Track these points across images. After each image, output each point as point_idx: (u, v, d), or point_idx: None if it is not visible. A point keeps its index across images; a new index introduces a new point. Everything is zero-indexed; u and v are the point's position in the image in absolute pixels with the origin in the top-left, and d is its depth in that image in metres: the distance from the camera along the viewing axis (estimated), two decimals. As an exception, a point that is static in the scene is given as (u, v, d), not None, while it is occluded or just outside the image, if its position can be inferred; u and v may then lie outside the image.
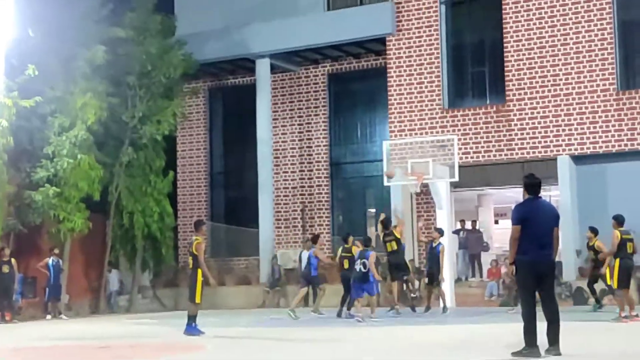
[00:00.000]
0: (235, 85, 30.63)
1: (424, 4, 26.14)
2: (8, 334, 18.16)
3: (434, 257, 20.66)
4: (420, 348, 12.54)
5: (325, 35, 26.87)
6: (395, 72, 26.40)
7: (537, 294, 10.11)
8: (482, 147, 25.19)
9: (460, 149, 24.27)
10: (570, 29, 24.33)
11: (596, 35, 24.08)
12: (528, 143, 24.65)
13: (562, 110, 24.32)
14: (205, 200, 30.61)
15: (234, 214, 30.12)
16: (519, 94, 24.84)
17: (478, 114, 25.43)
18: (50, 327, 20.40)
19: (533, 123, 24.63)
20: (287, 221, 28.89)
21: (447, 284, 22.08)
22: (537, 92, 24.63)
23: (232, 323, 19.04)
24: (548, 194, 23.98)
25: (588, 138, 24.00)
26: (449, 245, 22.83)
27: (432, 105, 25.90)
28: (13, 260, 22.45)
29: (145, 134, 26.33)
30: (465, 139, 25.17)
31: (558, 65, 24.43)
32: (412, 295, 21.36)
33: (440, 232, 21.18)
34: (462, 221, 26.32)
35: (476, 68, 26.31)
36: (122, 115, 26.05)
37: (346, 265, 19.60)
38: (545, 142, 24.45)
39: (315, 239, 21.76)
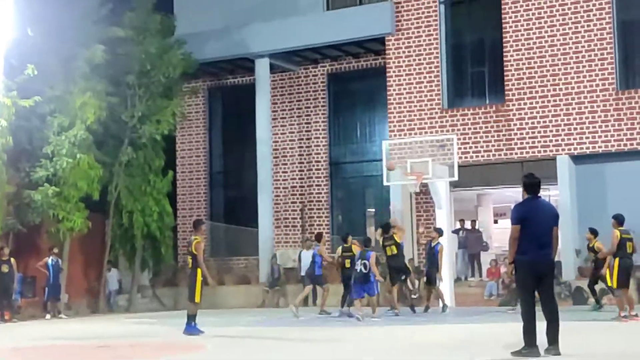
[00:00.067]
0: (234, 84, 30.63)
1: (423, 3, 26.15)
2: (7, 334, 18.15)
3: (432, 256, 20.69)
4: (420, 348, 12.55)
5: (325, 35, 26.87)
6: (394, 71, 26.41)
7: (536, 293, 10.11)
8: (482, 146, 25.19)
9: (459, 148, 24.28)
10: (570, 28, 24.34)
11: (595, 35, 24.08)
12: (527, 143, 24.66)
13: (561, 110, 24.33)
14: (204, 200, 30.61)
15: (233, 214, 30.12)
16: (519, 94, 24.85)
17: (477, 113, 25.43)
18: (50, 326, 20.39)
19: (532, 123, 24.63)
20: (286, 221, 28.90)
21: (446, 284, 22.11)
22: (537, 92, 24.63)
23: (232, 322, 19.04)
24: (547, 193, 24.00)
25: (587, 138, 24.01)
26: (448, 245, 22.85)
27: (431, 105, 25.90)
28: (12, 259, 22.45)
29: (144, 133, 26.32)
30: (464, 138, 25.17)
31: (557, 65, 24.43)
32: (413, 296, 21.32)
33: (439, 232, 21.20)
34: (462, 221, 26.33)
35: (475, 68, 26.31)
36: (122, 115, 26.05)
37: (347, 265, 19.63)
38: (545, 141, 24.46)
39: (318, 237, 21.78)
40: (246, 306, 25.87)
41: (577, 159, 24.26)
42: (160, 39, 27.01)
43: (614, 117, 23.77)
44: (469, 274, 25.96)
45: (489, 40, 26.23)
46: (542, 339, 9.95)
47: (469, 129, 25.33)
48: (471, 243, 26.01)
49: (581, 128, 24.08)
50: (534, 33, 24.74)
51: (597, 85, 23.98)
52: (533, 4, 24.78)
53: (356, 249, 19.54)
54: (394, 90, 26.37)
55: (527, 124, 24.69)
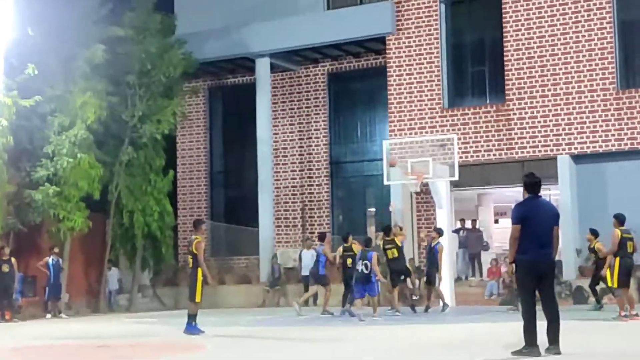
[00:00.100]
0: (235, 84, 30.63)
1: (423, 3, 26.14)
2: (8, 333, 18.15)
3: (432, 256, 20.71)
4: (421, 348, 12.54)
5: (325, 35, 26.86)
6: (395, 71, 26.40)
7: (537, 293, 10.11)
8: (482, 146, 25.19)
9: (460, 148, 24.27)
10: (570, 28, 24.33)
11: (596, 34, 24.08)
12: (528, 142, 24.66)
13: (562, 109, 24.32)
14: (205, 200, 30.61)
15: (234, 213, 30.12)
16: (519, 94, 24.84)
17: (478, 113, 25.42)
18: (50, 326, 20.39)
19: (533, 122, 24.63)
20: (287, 220, 28.89)
21: (447, 283, 22.10)
22: (537, 91, 24.63)
23: (232, 322, 19.03)
24: (548, 193, 23.97)
25: (588, 137, 24.00)
26: (448, 245, 22.87)
27: (432, 104, 25.90)
28: (13, 259, 22.45)
29: (145, 133, 26.32)
30: (465, 138, 25.17)
31: (558, 64, 24.43)
32: (414, 297, 21.29)
33: (439, 232, 21.18)
34: (462, 220, 26.32)
35: (476, 67, 26.32)
36: (122, 114, 26.05)
37: (349, 264, 19.65)
38: (545, 141, 24.45)
39: (322, 236, 21.78)
40: (247, 306, 25.87)
41: (578, 158, 24.26)
42: (160, 38, 27.01)
43: (614, 116, 23.76)
44: (469, 273, 25.96)
45: (489, 39, 26.23)
46: (542, 338, 9.95)
47: (470, 128, 25.32)
48: (472, 242, 26.00)
49: (582, 127, 24.08)
50: (535, 32, 24.73)
51: (598, 84, 23.98)
52: (533, 4, 24.78)
53: (357, 249, 19.56)
54: (395, 89, 26.37)
55: (527, 123, 24.69)
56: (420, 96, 26.01)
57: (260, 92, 28.03)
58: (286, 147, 29.13)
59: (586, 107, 24.05)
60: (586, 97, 24.07)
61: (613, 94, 23.86)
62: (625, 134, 23.61)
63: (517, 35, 24.95)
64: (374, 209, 27.83)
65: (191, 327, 15.45)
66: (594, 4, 24.09)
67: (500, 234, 27.18)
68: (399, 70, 26.34)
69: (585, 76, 24.10)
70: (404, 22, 26.35)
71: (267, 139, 27.97)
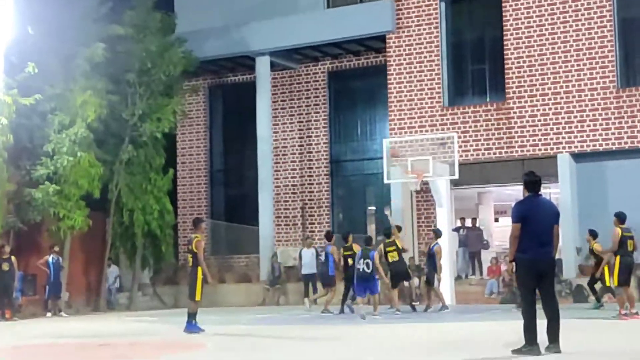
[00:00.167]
0: (235, 82, 30.62)
1: (424, 1, 26.13)
2: (8, 332, 18.15)
3: (430, 257, 20.73)
4: (421, 346, 12.54)
5: (325, 33, 26.85)
6: (395, 69, 26.39)
7: (537, 291, 10.11)
8: (482, 144, 25.18)
9: (460, 146, 24.26)
10: (571, 26, 24.31)
11: (596, 32, 24.07)
12: (528, 141, 24.65)
13: (562, 108, 24.31)
14: (205, 198, 30.61)
15: (234, 212, 30.12)
16: (519, 92, 24.84)
17: (478, 111, 25.42)
18: (50, 324, 20.40)
19: (533, 121, 24.62)
20: (287, 219, 28.89)
21: (447, 282, 22.09)
22: (537, 89, 24.62)
23: (233, 321, 19.04)
24: (548, 191, 23.96)
25: (588, 136, 24.00)
26: (449, 243, 22.88)
27: (432, 102, 25.89)
28: (13, 257, 22.45)
29: (145, 131, 26.31)
30: (465, 136, 25.16)
31: (558, 62, 24.42)
32: (414, 303, 21.20)
33: (437, 233, 21.12)
34: (462, 219, 26.31)
35: (476, 66, 26.31)
36: (122, 113, 26.04)
37: (350, 263, 19.68)
38: (546, 139, 24.45)
39: (329, 236, 21.77)
40: (247, 304, 25.87)
41: (578, 156, 24.25)
42: (160, 37, 27.00)
43: (614, 114, 23.75)
44: (469, 272, 25.96)
45: (489, 38, 26.22)
46: (542, 337, 9.95)
47: (470, 127, 25.32)
48: (472, 241, 26.00)
49: (582, 126, 24.07)
50: (535, 31, 24.72)
51: (598, 83, 23.97)
52: (534, 2, 24.77)
53: (357, 248, 19.58)
54: (395, 88, 26.36)
55: (527, 121, 24.68)
56: (421, 94, 26.00)
57: (261, 90, 28.02)
58: (286, 146, 29.12)
59: (586, 105, 24.05)
60: (586, 95, 24.06)
61: (613, 92, 23.85)
62: (626, 132, 23.61)
63: (517, 33, 24.94)
64: (374, 208, 27.83)
65: (191, 326, 15.46)
66: (594, 2, 24.07)
67: (500, 233, 27.20)
68: (399, 69, 26.33)
69: (585, 74, 24.10)
70: (404, 21, 26.34)
71: (267, 137, 27.96)
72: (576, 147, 24.13)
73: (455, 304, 22.35)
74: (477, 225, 26.88)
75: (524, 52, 24.82)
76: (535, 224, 9.99)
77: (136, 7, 26.81)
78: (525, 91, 24.75)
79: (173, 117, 27.06)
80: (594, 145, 23.92)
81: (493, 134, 25.07)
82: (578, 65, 24.18)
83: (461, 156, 24.23)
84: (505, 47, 25.12)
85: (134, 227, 26.41)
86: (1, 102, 22.06)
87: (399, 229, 21.73)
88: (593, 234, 19.28)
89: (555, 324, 9.97)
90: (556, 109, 24.37)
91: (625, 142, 23.60)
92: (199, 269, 15.40)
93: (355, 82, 28.95)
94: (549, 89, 24.48)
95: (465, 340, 13.15)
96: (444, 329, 16.03)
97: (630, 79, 24.28)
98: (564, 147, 24.26)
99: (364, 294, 18.87)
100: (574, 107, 24.17)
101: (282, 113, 29.26)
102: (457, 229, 25.85)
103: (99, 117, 24.19)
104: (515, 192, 24.29)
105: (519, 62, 24.87)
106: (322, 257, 21.08)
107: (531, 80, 24.70)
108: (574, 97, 24.19)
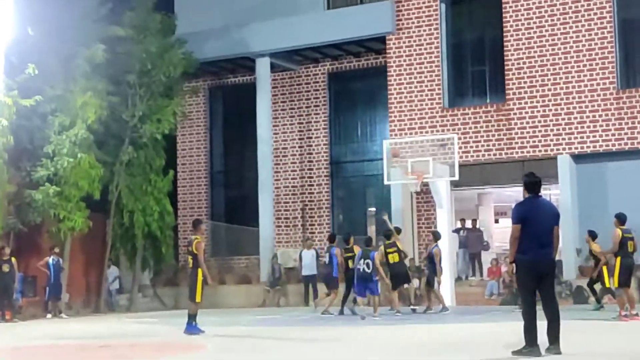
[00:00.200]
0: (235, 84, 30.62)
1: (424, 2, 26.13)
2: (8, 333, 18.15)
3: (429, 259, 20.72)
4: (421, 348, 12.54)
5: (325, 34, 26.86)
6: (395, 71, 26.39)
7: (537, 292, 10.10)
8: (482, 146, 25.18)
9: (460, 147, 24.26)
10: (571, 27, 24.32)
11: (596, 34, 24.07)
12: (528, 142, 24.65)
13: (562, 109, 24.32)
14: (205, 199, 30.60)
15: (234, 213, 30.12)
16: (519, 93, 24.84)
17: (478, 112, 25.42)
18: (51, 326, 20.39)
19: (533, 122, 24.62)
20: (287, 220, 28.89)
21: (447, 283, 22.08)
22: (537, 91, 24.62)
23: (233, 322, 19.03)
24: (548, 192, 23.98)
25: (588, 137, 24.00)
26: (449, 245, 22.88)
27: (432, 104, 25.89)
28: (13, 259, 22.45)
29: (145, 132, 26.32)
30: (465, 137, 25.16)
31: (558, 64, 24.42)
32: (413, 308, 21.13)
33: (435, 236, 21.10)
34: (462, 220, 26.30)
35: (476, 67, 26.32)
36: (122, 114, 26.04)
37: (351, 265, 19.68)
38: (546, 140, 24.44)
39: (333, 238, 21.74)
40: (247, 306, 25.87)
41: (578, 158, 24.25)
42: (160, 38, 27.00)
43: (614, 116, 23.76)
44: (469, 273, 25.95)
45: (489, 39, 26.23)
46: (542, 338, 9.94)
47: (470, 128, 25.32)
48: (472, 242, 25.99)
49: (582, 127, 24.07)
50: (535, 32, 24.72)
51: (598, 84, 23.97)
52: (534, 3, 24.77)
53: (357, 250, 19.59)
54: (395, 89, 26.36)
55: (527, 123, 24.68)
56: (421, 96, 26.00)
57: (261, 91, 28.03)
58: (286, 147, 29.12)
59: (586, 106, 24.05)
60: (586, 96, 24.06)
61: (613, 93, 23.85)
62: (626, 133, 23.60)
63: (517, 34, 24.95)
64: (374, 209, 27.83)
65: (191, 327, 15.45)
66: (594, 3, 24.08)
67: (500, 234, 27.18)
68: (399, 70, 26.33)
69: (585, 75, 24.10)
70: (404, 22, 26.34)
71: (267, 138, 27.96)
72: (576, 148, 24.13)
73: (456, 305, 22.34)
74: (477, 226, 26.86)
75: (524, 53, 24.82)
76: (535, 225, 9.99)
77: (136, 8, 26.82)
78: (525, 92, 24.75)
79: (173, 119, 27.06)
80: (594, 147, 23.92)
81: (493, 135, 25.07)
82: (578, 66, 24.18)
83: (461, 157, 24.23)
84: (505, 49, 25.12)
85: (134, 229, 26.41)
86: (1, 104, 22.06)
87: (399, 231, 21.71)
88: (592, 235, 19.29)
89: (556, 325, 9.97)
90: (556, 110, 24.37)
91: (625, 143, 23.59)
92: (199, 270, 15.39)
93: (355, 84, 28.95)
94: (549, 90, 24.48)
95: (466, 341, 13.15)
96: (444, 330, 16.02)
97: (630, 80, 24.28)
98: (564, 148, 24.26)
99: (364, 294, 18.87)
100: (574, 108, 24.17)
101: (282, 114, 29.27)
102: (457, 230, 25.85)
103: (99, 119, 24.19)
104: (515, 193, 24.28)
105: (519, 64, 24.87)
106: (326, 259, 21.00)
107: (531, 82, 24.70)
108: (574, 98, 24.19)
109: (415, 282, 22.76)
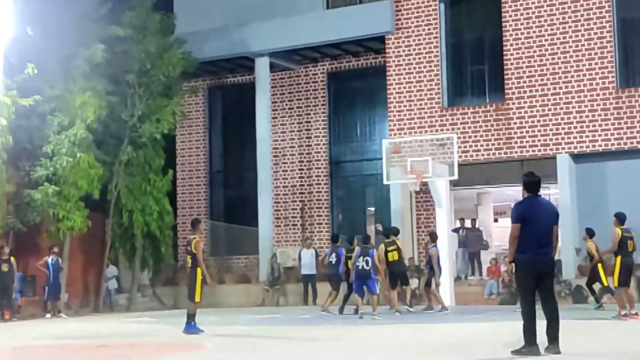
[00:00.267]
0: (234, 83, 30.62)
1: (423, 2, 26.14)
2: (7, 333, 18.14)
3: (429, 260, 20.72)
4: (420, 347, 12.54)
5: (325, 34, 26.86)
6: (394, 70, 26.40)
7: (536, 292, 10.10)
8: (482, 145, 25.19)
9: (459, 147, 24.27)
10: (570, 27, 24.32)
11: (595, 33, 24.07)
12: (527, 141, 24.65)
13: (561, 108, 24.32)
14: (204, 199, 30.60)
15: (233, 213, 30.12)
16: (519, 93, 24.84)
17: (477, 112, 25.42)
18: (50, 325, 20.38)
19: (532, 121, 24.63)
20: (286, 220, 28.89)
21: (446, 283, 22.06)
22: (537, 90, 24.63)
23: (232, 321, 19.02)
24: (547, 192, 23.99)
25: (587, 136, 24.00)
26: (448, 244, 22.87)
27: (431, 103, 25.89)
28: (12, 258, 22.45)
29: (144, 132, 26.31)
30: (464, 137, 25.17)
31: (557, 63, 24.42)
32: (410, 309, 21.09)
33: (432, 236, 21.07)
34: (462, 219, 26.32)
35: (475, 66, 26.33)
36: (122, 114, 26.04)
37: (350, 265, 19.69)
38: (545, 140, 24.45)
39: (336, 238, 21.70)
40: (246, 305, 25.86)
41: (577, 157, 24.26)
42: (160, 38, 27.00)
43: (614, 115, 23.76)
44: (469, 272, 25.97)
45: (489, 38, 26.23)
46: (542, 337, 9.94)
47: (469, 127, 25.32)
48: (471, 242, 26.01)
49: (581, 127, 24.08)
50: (534, 31, 24.73)
51: (597, 83, 23.98)
52: (533, 3, 24.77)
53: (356, 247, 19.58)
54: (394, 89, 26.36)
55: (527, 122, 24.68)
56: (420, 95, 26.00)
57: (260, 91, 28.02)
58: (286, 147, 29.12)
59: (586, 106, 24.06)
60: (585, 96, 24.07)
61: (613, 93, 23.86)
62: (625, 133, 23.61)
63: (516, 34, 24.95)
64: (373, 208, 27.84)
65: (191, 327, 15.45)
66: (594, 3, 24.09)
67: (499, 233, 27.18)
68: (399, 70, 26.33)
69: (584, 75, 24.11)
70: (404, 22, 26.34)
71: (266, 138, 27.96)
72: (575, 147, 24.14)
73: (455, 305, 22.32)
74: (477, 225, 26.88)
75: (523, 52, 24.83)
76: (534, 224, 9.99)
77: (135, 8, 26.82)
78: (525, 92, 24.75)
79: (172, 118, 27.05)
80: (594, 146, 23.93)
81: (492, 135, 25.07)
82: (577, 66, 24.19)
83: (460, 157, 24.23)
84: (504, 48, 25.13)
85: (133, 228, 26.41)
86: (0, 103, 22.04)
87: (396, 232, 21.67)
88: (589, 233, 19.23)
89: (555, 324, 9.97)
90: (555, 109, 24.37)
91: (625, 143, 23.60)
92: (198, 269, 15.40)
93: (354, 83, 28.95)
94: (549, 89, 24.49)
95: (465, 341, 13.14)
96: (443, 329, 16.02)
97: (630, 79, 24.29)
98: (563, 148, 24.27)
99: (362, 292, 18.87)
100: (574, 107, 24.18)
101: (282, 114, 29.26)
102: (456, 230, 25.86)
103: (98, 118, 24.19)
104: (515, 192, 24.29)
105: (518, 63, 24.88)
106: (332, 259, 20.86)
107: (530, 81, 24.71)
108: (573, 97, 24.20)
109: (414, 282, 22.78)
